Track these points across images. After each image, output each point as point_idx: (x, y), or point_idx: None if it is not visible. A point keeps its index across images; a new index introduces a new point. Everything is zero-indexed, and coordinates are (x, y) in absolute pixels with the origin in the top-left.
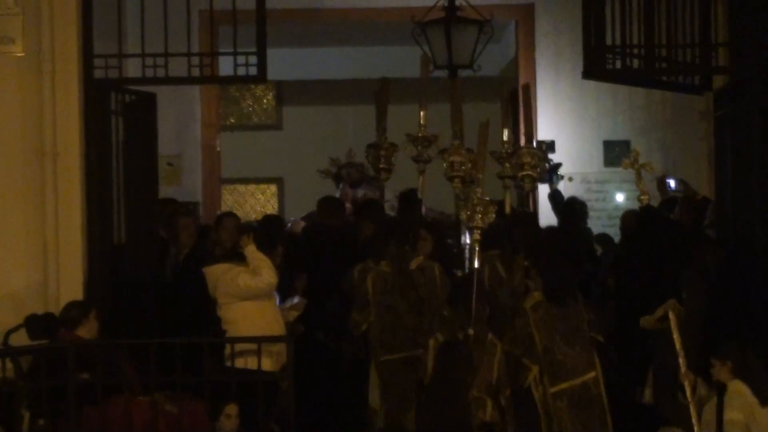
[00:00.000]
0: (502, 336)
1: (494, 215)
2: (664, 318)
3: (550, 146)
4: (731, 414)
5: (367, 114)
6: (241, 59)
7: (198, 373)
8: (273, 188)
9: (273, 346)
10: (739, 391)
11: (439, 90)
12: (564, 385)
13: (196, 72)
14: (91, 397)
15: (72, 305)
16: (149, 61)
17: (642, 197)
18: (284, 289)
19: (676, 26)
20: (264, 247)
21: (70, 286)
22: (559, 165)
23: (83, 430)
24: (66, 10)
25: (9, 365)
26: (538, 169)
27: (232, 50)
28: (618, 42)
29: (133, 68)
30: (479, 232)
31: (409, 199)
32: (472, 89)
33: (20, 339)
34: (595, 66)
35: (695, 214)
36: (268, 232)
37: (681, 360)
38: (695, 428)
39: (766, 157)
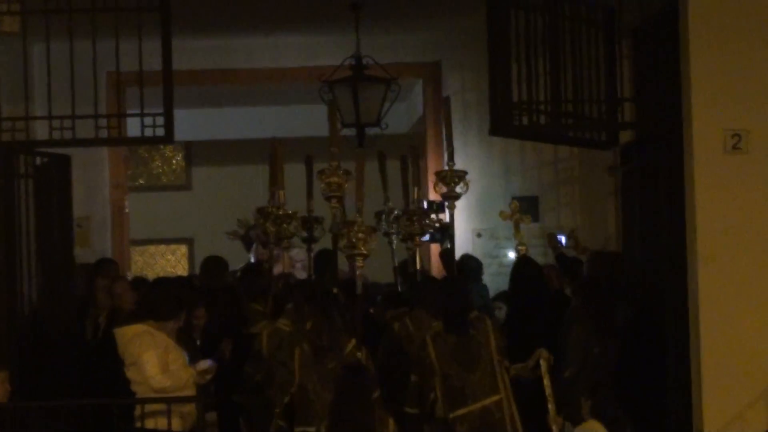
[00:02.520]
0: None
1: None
2: (537, 366)
3: (440, 206)
4: None
5: None
6: (148, 120)
7: None
8: (183, 249)
9: (183, 407)
10: (590, 429)
11: (346, 148)
12: (462, 411)
13: (103, 133)
14: None
15: None
16: (56, 123)
17: (519, 248)
18: (211, 352)
19: (582, 82)
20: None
21: None
22: (446, 224)
23: None
24: None
25: None
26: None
27: (138, 111)
28: (525, 98)
29: (41, 131)
30: (362, 260)
31: (323, 258)
32: (381, 147)
33: None
34: (502, 122)
35: (606, 268)
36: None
37: (550, 405)
38: None
39: (672, 211)
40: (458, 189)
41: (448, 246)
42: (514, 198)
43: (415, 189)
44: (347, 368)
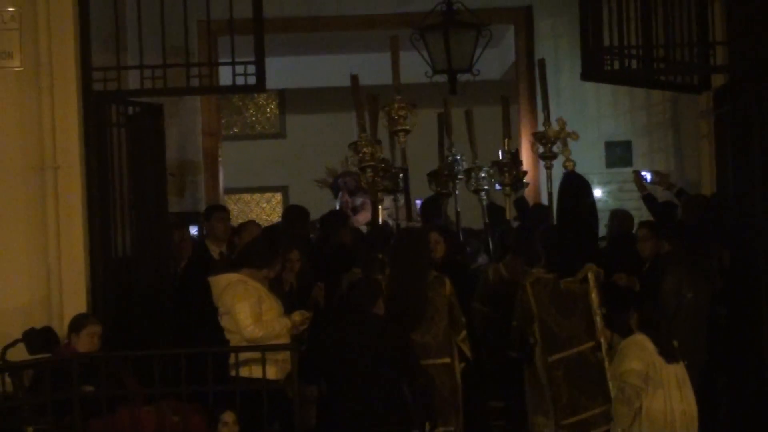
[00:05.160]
0: None
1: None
2: (585, 279)
3: (516, 155)
4: (629, 364)
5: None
6: (239, 69)
7: (204, 382)
8: (278, 197)
9: (278, 355)
10: (638, 342)
11: (438, 95)
12: (559, 355)
13: (195, 82)
14: (96, 409)
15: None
16: (148, 72)
17: (566, 164)
18: (304, 298)
19: (673, 26)
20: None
21: (74, 299)
22: (524, 173)
23: None
24: (63, 23)
25: (7, 379)
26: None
27: (230, 60)
28: (616, 43)
29: (132, 80)
30: (404, 135)
31: (431, 205)
32: (473, 93)
33: (18, 353)
34: (593, 67)
35: (700, 213)
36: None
37: (597, 318)
38: (610, 384)
39: (766, 154)
40: (554, 149)
41: (522, 195)
42: (618, 144)
43: (506, 140)
44: (407, 229)
